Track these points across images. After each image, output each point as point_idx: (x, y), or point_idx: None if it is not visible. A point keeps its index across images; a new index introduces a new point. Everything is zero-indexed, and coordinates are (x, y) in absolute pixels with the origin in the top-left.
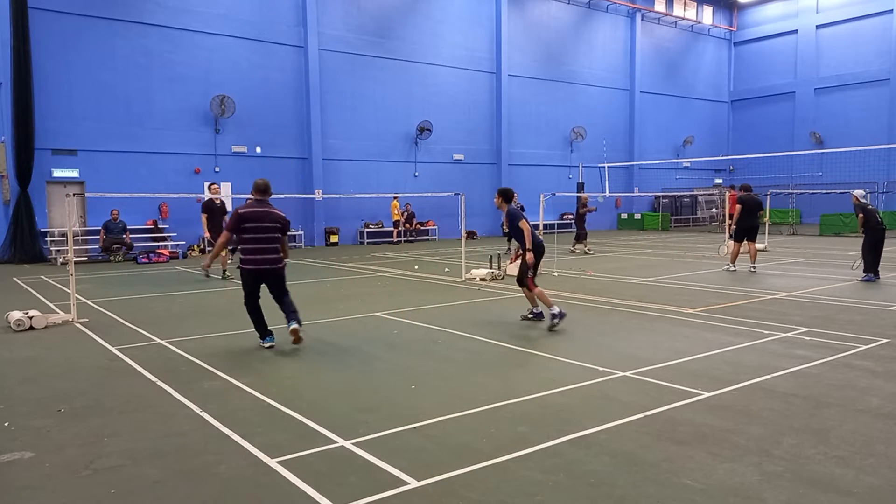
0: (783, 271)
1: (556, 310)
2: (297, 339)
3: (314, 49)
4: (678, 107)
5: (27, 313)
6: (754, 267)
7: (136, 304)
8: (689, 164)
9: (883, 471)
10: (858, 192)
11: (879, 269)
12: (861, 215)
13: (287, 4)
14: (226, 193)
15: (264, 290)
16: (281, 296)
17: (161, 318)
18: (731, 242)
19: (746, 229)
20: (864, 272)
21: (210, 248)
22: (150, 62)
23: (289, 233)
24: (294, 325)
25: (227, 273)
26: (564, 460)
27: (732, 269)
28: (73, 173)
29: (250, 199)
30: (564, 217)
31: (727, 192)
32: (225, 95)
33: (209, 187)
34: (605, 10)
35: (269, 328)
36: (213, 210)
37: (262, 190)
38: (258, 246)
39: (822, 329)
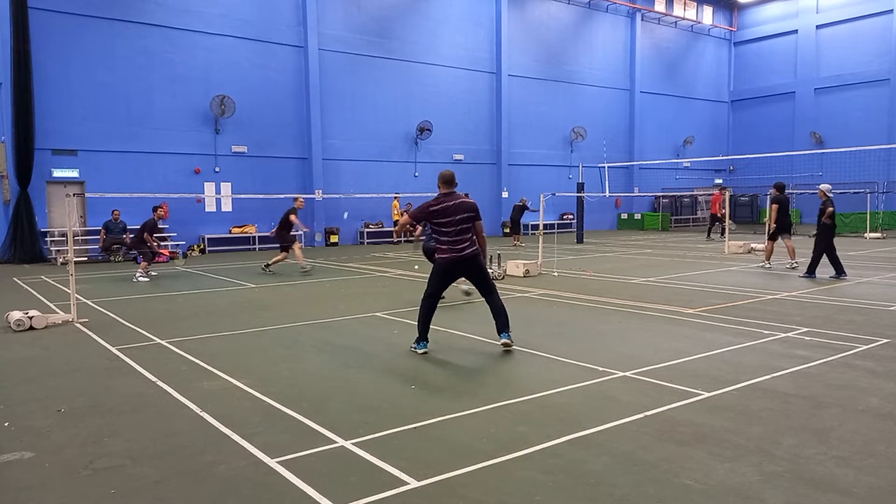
0: (783, 271)
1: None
2: (507, 347)
3: (314, 49)
4: (678, 107)
5: (27, 313)
6: (796, 263)
7: (136, 304)
8: (689, 164)
9: (883, 471)
10: (825, 186)
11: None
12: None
13: (287, 4)
14: (226, 193)
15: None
16: (489, 292)
17: (161, 318)
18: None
19: (778, 228)
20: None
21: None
22: (150, 62)
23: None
24: (505, 339)
25: (271, 269)
26: (564, 460)
27: (768, 266)
28: (73, 173)
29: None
30: (564, 217)
31: (713, 192)
32: (225, 95)
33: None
34: (605, 10)
35: (426, 338)
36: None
37: (448, 181)
38: (453, 238)
39: (822, 329)
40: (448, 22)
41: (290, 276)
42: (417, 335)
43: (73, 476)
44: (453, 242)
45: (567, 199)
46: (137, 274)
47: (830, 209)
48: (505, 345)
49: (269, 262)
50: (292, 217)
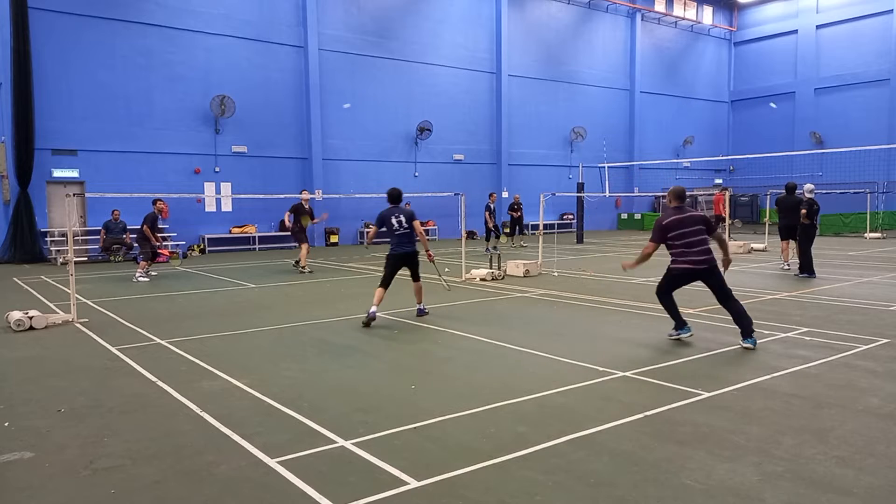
0: (783, 271)
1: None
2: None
3: (314, 49)
4: (678, 107)
5: (27, 313)
6: (788, 265)
7: (136, 304)
8: (689, 164)
9: (883, 471)
10: (808, 187)
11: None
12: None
13: (287, 4)
14: (226, 193)
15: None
16: (724, 298)
17: (161, 318)
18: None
19: (783, 228)
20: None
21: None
22: (150, 62)
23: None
24: (748, 345)
25: (307, 269)
26: (564, 460)
27: (786, 266)
28: (73, 173)
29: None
30: (564, 217)
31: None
32: (225, 95)
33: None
34: (605, 10)
35: (684, 321)
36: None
37: (680, 196)
38: (688, 250)
39: (822, 329)
40: (448, 22)
41: (290, 275)
42: (675, 324)
43: (73, 476)
44: (689, 254)
45: (567, 199)
46: (137, 274)
47: (803, 210)
48: (746, 348)
49: (302, 265)
50: (287, 214)
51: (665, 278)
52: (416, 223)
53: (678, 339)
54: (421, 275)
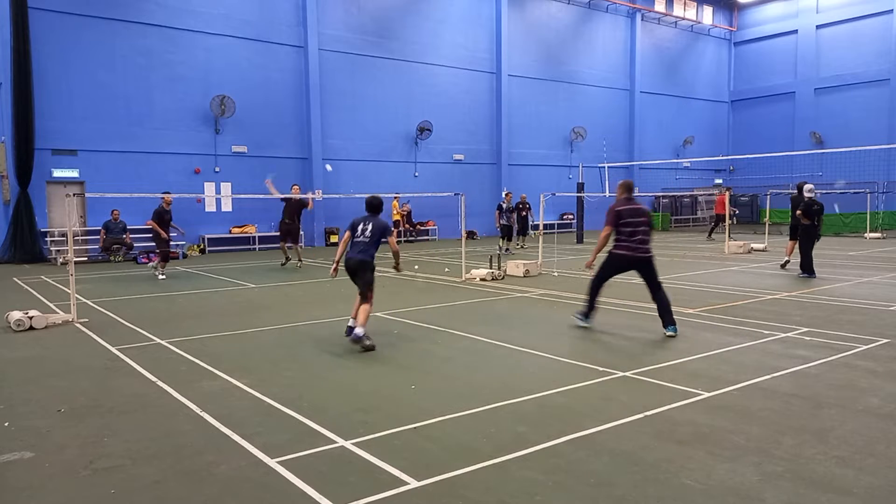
0: (783, 271)
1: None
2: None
3: (314, 49)
4: (678, 107)
5: (27, 313)
6: (788, 260)
7: (136, 304)
8: (689, 164)
9: (883, 471)
10: (808, 186)
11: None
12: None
13: (287, 4)
14: (226, 193)
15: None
16: (655, 289)
17: (161, 318)
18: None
19: (792, 227)
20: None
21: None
22: (150, 62)
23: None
24: (671, 332)
25: (300, 264)
26: (564, 460)
27: (786, 260)
28: (73, 173)
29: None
30: (564, 217)
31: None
32: (225, 95)
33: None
34: (605, 10)
35: (593, 312)
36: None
37: (630, 188)
38: (632, 238)
39: (822, 329)
40: (448, 22)
41: (290, 275)
42: (585, 310)
43: (73, 476)
44: (631, 242)
45: (567, 199)
46: (157, 273)
47: (798, 211)
48: (670, 336)
49: (298, 259)
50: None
51: (603, 266)
52: (392, 239)
53: (581, 326)
54: (373, 293)
